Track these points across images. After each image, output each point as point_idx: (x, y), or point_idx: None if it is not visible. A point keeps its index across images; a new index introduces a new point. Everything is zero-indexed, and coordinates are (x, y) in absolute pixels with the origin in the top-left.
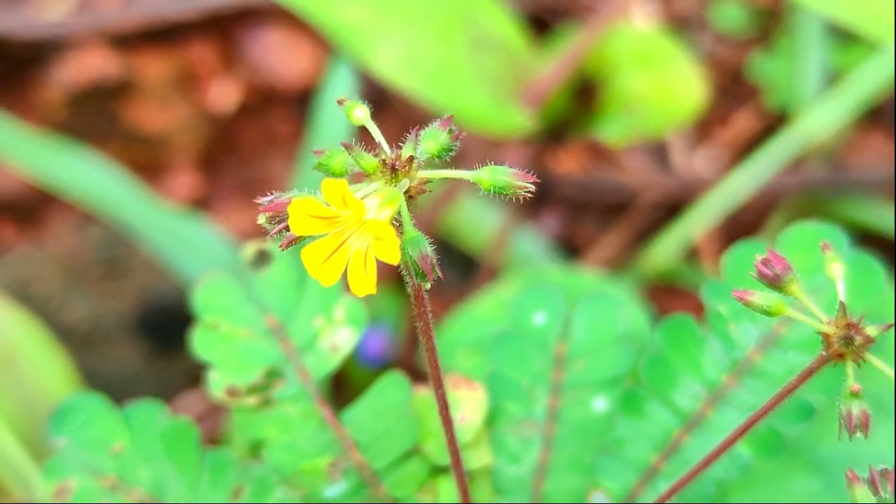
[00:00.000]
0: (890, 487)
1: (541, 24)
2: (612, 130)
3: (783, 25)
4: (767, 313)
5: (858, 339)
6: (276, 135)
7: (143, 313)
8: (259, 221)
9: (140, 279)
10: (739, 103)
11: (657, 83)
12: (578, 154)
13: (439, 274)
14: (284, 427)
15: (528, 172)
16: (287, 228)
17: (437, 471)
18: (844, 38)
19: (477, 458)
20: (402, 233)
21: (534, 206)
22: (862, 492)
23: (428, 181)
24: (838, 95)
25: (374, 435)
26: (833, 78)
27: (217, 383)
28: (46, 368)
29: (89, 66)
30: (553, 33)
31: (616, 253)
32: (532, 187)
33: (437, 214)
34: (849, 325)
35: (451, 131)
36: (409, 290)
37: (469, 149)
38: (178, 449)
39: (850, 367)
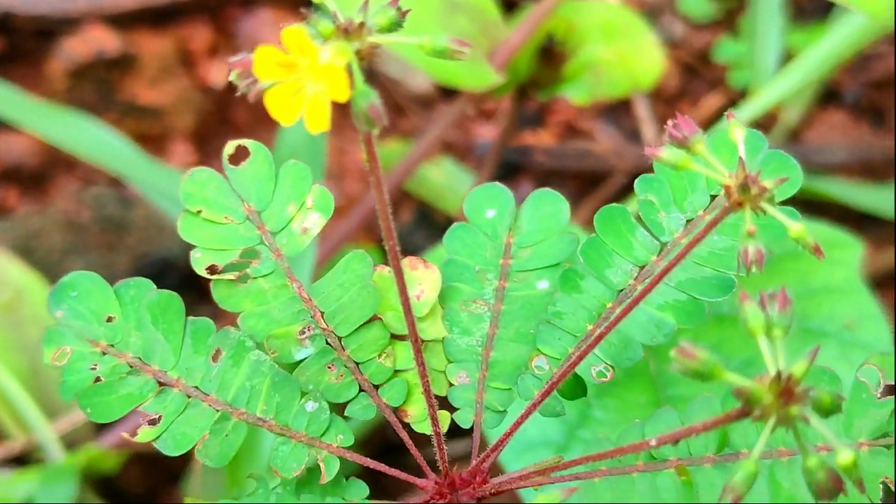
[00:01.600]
0: (777, 307)
1: (509, 5)
2: (578, 90)
3: (747, 9)
4: (675, 167)
5: (755, 189)
6: (265, 109)
7: (139, 269)
8: (230, 78)
9: (137, 238)
10: (708, 84)
11: (621, 50)
12: (554, 130)
13: (385, 122)
14: (259, 299)
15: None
16: (255, 82)
17: (396, 339)
18: (804, 19)
19: (432, 330)
20: (354, 88)
21: (510, 173)
22: (751, 308)
23: (377, 45)
24: (792, 72)
25: (340, 305)
26: (791, 56)
27: (199, 261)
28: (47, 319)
29: (90, 41)
30: (520, 9)
31: (589, 218)
32: (467, 52)
33: (408, 174)
34: (747, 177)
35: (398, 9)
36: (362, 145)
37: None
38: (164, 318)
39: (747, 213)
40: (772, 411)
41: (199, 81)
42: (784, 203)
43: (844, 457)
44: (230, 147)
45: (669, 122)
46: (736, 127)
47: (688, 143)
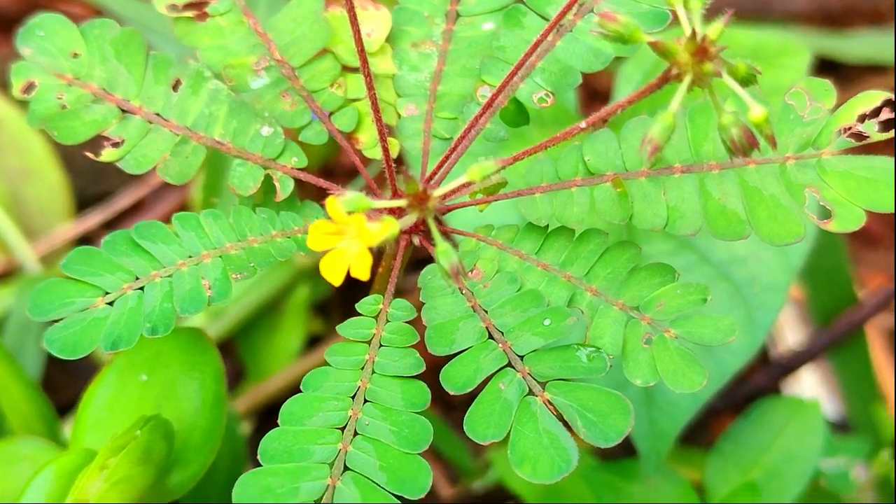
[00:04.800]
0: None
1: None
2: None
3: None
4: None
5: None
6: None
7: None
8: None
9: None
10: None
11: None
12: None
13: None
14: (217, 35)
15: None
16: None
17: (347, 71)
18: None
19: (382, 66)
20: None
21: None
22: None
23: None
24: None
25: (293, 38)
26: None
27: (159, 0)
28: (26, 143)
29: None
30: None
31: None
32: None
33: None
34: None
35: None
36: None
37: None
38: (126, 52)
39: None
40: (688, 69)
41: None
42: None
43: (756, 112)
44: None
45: None
46: None
47: None
